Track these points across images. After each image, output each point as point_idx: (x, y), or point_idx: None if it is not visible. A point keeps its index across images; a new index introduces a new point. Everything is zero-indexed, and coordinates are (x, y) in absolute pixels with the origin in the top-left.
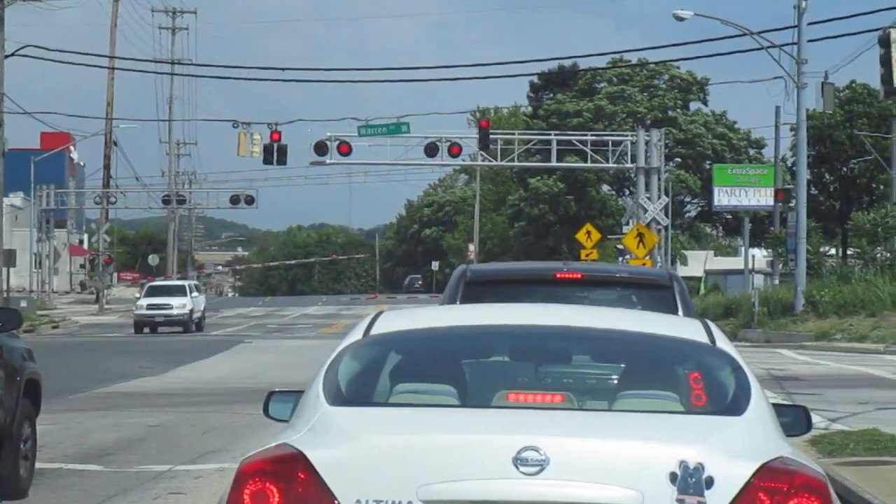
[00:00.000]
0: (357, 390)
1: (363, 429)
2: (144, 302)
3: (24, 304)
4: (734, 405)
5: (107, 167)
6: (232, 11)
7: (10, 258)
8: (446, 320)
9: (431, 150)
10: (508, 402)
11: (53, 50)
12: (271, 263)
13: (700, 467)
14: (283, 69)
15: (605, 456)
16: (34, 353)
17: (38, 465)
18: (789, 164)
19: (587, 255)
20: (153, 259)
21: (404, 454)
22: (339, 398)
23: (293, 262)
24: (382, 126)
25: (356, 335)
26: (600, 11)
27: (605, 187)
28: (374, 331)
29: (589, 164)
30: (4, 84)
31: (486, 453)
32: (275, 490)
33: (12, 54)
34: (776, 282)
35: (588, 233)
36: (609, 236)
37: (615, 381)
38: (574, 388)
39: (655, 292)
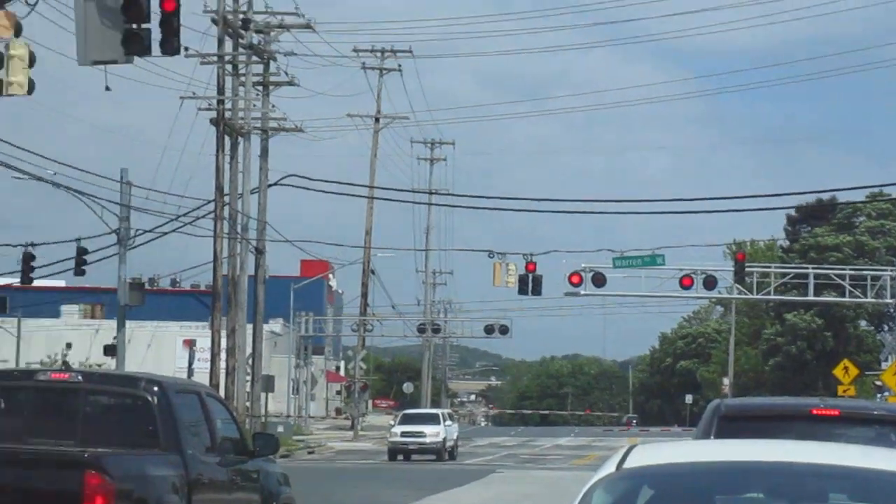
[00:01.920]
0: None
1: None
2: (399, 429)
3: (281, 429)
4: None
5: (364, 295)
6: (488, 142)
7: (268, 384)
8: (700, 455)
9: (686, 282)
10: None
11: (315, 179)
12: (526, 411)
13: None
14: (538, 200)
15: None
16: (290, 478)
17: None
18: None
19: (844, 392)
20: (408, 387)
21: None
22: None
23: (546, 412)
24: (637, 258)
25: (609, 468)
26: (859, 145)
27: (864, 322)
28: (628, 464)
29: (847, 299)
30: (267, 212)
31: None
32: None
33: (275, 183)
34: None
35: (845, 368)
36: (867, 372)
37: None
38: None
39: None
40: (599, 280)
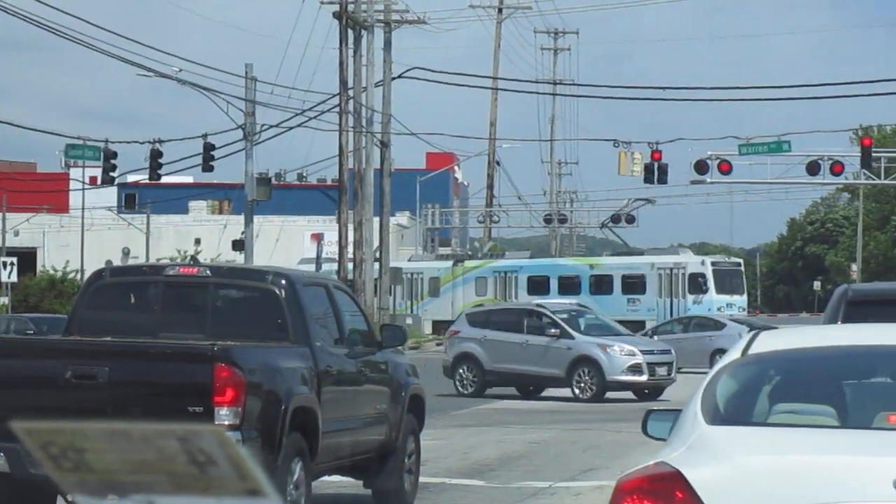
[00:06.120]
0: (735, 410)
1: (742, 449)
2: None
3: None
4: None
5: (490, 186)
6: (614, 31)
7: (396, 276)
8: (826, 340)
9: (813, 168)
10: (890, 423)
11: (438, 71)
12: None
13: None
14: (663, 88)
15: None
16: (418, 369)
17: (421, 479)
18: None
19: None
20: None
21: (782, 475)
22: (717, 417)
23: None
24: (763, 145)
25: (734, 354)
26: None
27: None
28: (753, 350)
29: None
30: (392, 105)
31: (867, 476)
32: None
33: (399, 76)
34: None
35: None
36: None
37: None
38: None
39: None
40: (725, 167)
